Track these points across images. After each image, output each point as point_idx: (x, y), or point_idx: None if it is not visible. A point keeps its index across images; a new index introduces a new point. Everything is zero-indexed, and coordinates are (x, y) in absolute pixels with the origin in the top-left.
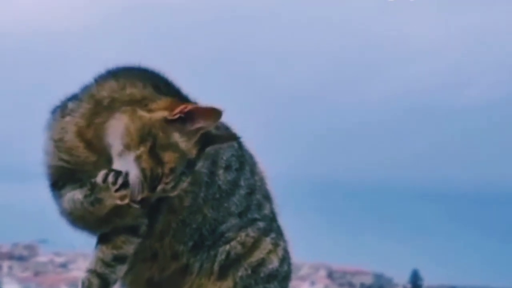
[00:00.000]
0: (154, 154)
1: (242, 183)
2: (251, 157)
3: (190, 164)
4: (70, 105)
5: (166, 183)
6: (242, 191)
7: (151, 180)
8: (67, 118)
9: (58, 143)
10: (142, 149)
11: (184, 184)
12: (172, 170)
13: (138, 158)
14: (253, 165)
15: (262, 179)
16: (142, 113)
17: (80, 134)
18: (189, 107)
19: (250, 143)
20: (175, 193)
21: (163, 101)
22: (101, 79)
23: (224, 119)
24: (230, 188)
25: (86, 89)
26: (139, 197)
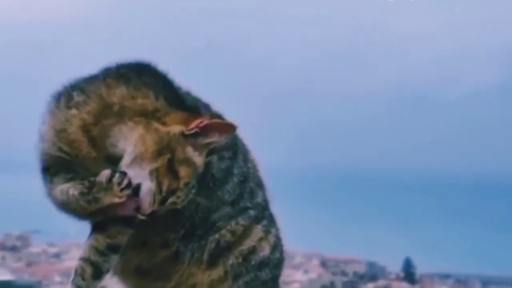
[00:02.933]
0: (171, 168)
1: (235, 171)
2: (243, 145)
3: (198, 178)
4: (76, 97)
5: (178, 197)
6: (236, 179)
7: (166, 194)
8: (73, 111)
9: (60, 134)
10: (160, 162)
11: (190, 197)
12: (186, 185)
13: (155, 171)
14: (245, 153)
15: (254, 167)
16: (157, 125)
17: (85, 129)
18: (205, 122)
19: (245, 134)
20: (182, 205)
21: (177, 115)
22: (110, 80)
23: (220, 111)
24: (224, 176)
25: (93, 85)
26: (149, 210)
